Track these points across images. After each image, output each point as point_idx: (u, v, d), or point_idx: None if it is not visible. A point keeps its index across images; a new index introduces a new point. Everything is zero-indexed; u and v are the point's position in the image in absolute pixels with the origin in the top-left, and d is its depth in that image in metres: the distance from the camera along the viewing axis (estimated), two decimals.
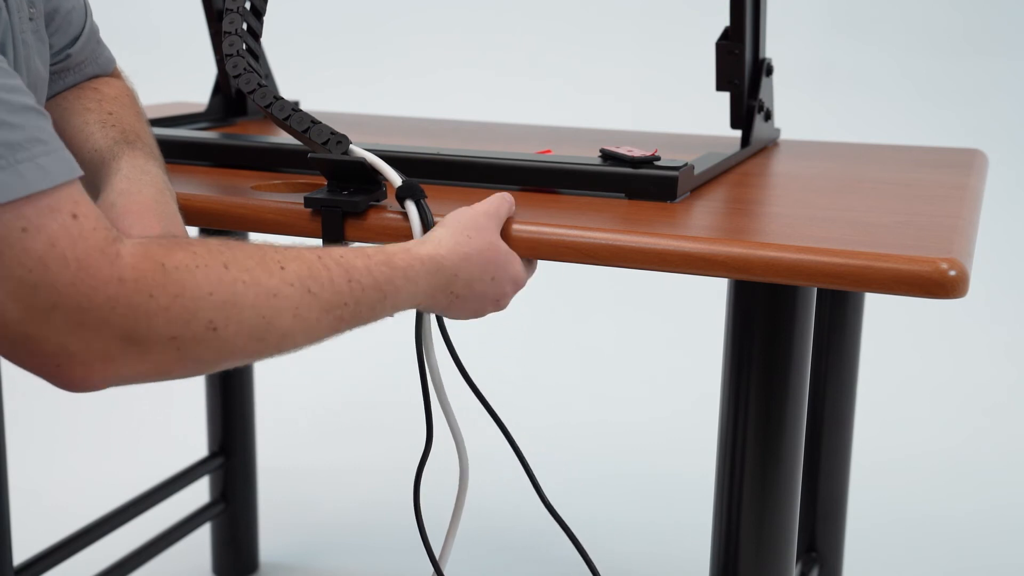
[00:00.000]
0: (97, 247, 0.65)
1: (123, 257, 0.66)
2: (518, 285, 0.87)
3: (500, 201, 0.87)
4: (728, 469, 0.90)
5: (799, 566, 1.36)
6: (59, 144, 0.66)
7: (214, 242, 0.72)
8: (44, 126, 0.66)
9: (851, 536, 1.48)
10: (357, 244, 0.90)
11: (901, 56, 3.31)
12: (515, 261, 0.86)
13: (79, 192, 0.67)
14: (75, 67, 0.97)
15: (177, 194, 0.97)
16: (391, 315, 0.82)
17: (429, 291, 0.82)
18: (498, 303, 0.87)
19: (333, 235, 0.88)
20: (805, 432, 0.92)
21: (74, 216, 0.65)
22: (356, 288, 0.77)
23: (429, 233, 0.84)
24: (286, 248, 0.75)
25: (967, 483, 2.08)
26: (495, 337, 2.76)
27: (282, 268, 0.73)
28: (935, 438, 2.29)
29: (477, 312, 0.87)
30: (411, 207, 0.86)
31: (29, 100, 0.65)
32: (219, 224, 0.94)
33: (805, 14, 3.33)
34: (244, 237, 1.66)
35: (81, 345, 0.65)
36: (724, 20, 1.14)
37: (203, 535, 1.77)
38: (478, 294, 0.85)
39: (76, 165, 0.67)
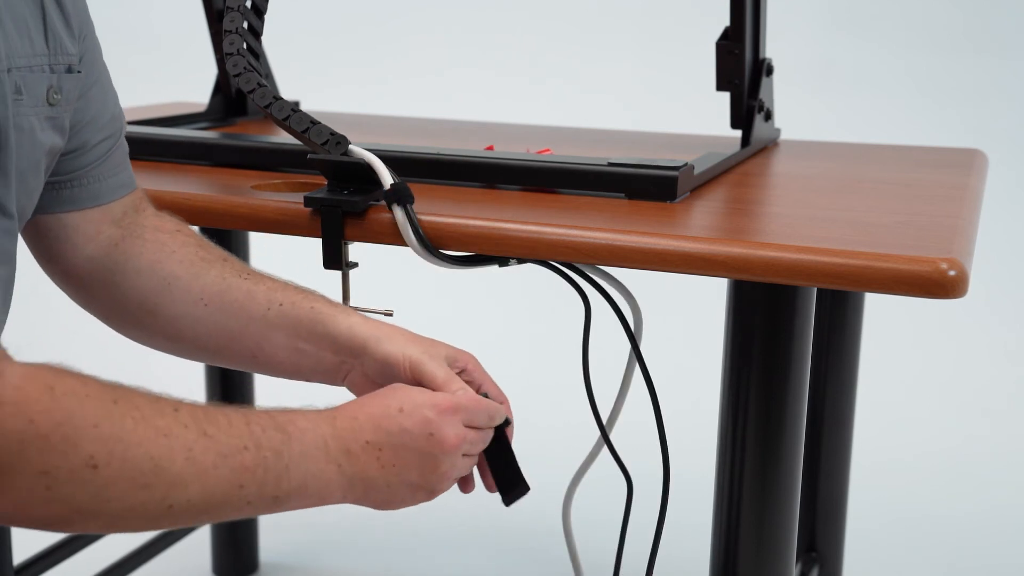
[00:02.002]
0: None
1: (6, 377, 0.59)
2: (441, 408, 0.77)
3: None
4: (728, 469, 0.90)
5: (799, 566, 1.36)
6: None
7: (105, 380, 0.65)
8: None
9: (851, 536, 1.48)
10: (357, 243, 0.90)
11: (901, 53, 3.31)
12: (425, 391, 0.79)
13: None
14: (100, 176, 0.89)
15: (177, 194, 0.97)
16: (305, 481, 0.72)
17: (339, 442, 0.74)
18: (433, 437, 0.77)
19: (333, 234, 0.88)
20: (805, 432, 0.92)
21: None
22: (256, 429, 0.69)
23: None
24: (178, 398, 0.69)
25: (967, 483, 2.08)
26: (495, 336, 2.76)
27: (175, 409, 0.66)
28: (935, 438, 2.28)
29: (420, 462, 0.77)
30: (397, 211, 0.86)
31: None
32: (219, 223, 0.94)
33: (805, 11, 3.33)
34: (244, 238, 1.66)
35: None
36: (724, 20, 1.13)
37: (203, 535, 1.77)
38: (398, 433, 0.76)
39: None
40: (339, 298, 0.95)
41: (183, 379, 1.36)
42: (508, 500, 0.86)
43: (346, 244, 0.89)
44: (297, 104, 0.96)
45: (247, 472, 0.68)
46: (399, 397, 0.78)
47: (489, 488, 0.87)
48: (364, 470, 0.75)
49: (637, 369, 0.94)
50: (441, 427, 0.77)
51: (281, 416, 0.72)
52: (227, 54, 0.94)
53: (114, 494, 0.62)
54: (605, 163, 0.96)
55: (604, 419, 0.96)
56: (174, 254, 0.89)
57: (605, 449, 0.97)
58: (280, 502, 0.72)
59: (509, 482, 0.86)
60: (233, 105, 1.44)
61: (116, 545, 1.56)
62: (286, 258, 2.40)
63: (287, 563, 1.80)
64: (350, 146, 0.90)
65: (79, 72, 0.81)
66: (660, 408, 0.93)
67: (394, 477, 0.76)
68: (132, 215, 0.91)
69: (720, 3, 1.17)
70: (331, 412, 0.76)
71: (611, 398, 0.99)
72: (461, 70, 3.41)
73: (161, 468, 0.64)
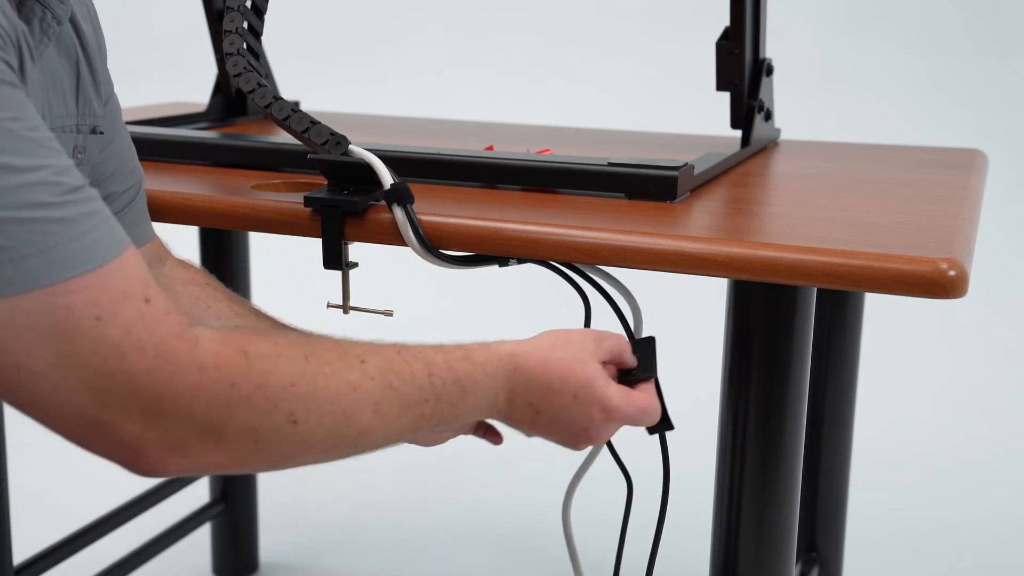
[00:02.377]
0: (175, 332, 0.63)
1: (202, 343, 0.64)
2: (609, 415, 0.80)
3: (608, 334, 0.84)
4: (728, 469, 0.90)
5: (799, 566, 1.36)
6: (107, 215, 0.63)
7: (292, 334, 0.70)
8: (93, 198, 0.63)
9: (851, 536, 1.48)
10: (357, 244, 0.91)
11: (901, 53, 3.31)
12: (606, 386, 0.80)
13: (145, 272, 0.64)
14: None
15: (177, 194, 0.97)
16: (467, 421, 0.78)
17: (508, 394, 0.78)
18: (586, 431, 0.80)
19: (333, 234, 0.88)
20: (805, 432, 0.92)
21: (147, 300, 0.62)
22: (437, 383, 0.74)
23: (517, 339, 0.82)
24: (364, 342, 0.74)
25: (967, 483, 2.08)
26: (495, 337, 2.76)
27: (362, 362, 0.71)
28: (935, 438, 2.28)
29: (565, 436, 0.81)
30: (397, 211, 0.86)
31: (77, 180, 0.62)
32: (219, 223, 0.94)
33: (805, 11, 3.33)
34: (244, 238, 1.66)
35: (157, 433, 0.63)
36: (724, 20, 1.13)
37: (203, 535, 1.77)
38: (559, 410, 0.79)
39: (125, 235, 0.64)
40: (339, 298, 0.95)
41: None
42: (651, 431, 0.89)
43: (346, 244, 0.89)
44: (297, 104, 0.96)
45: (424, 419, 0.74)
46: (580, 381, 0.79)
47: None
48: (518, 419, 0.81)
49: None
50: (599, 429, 0.81)
51: (461, 368, 0.76)
52: (227, 54, 0.94)
53: (312, 443, 0.68)
54: (605, 163, 0.96)
55: None
56: (209, 309, 0.92)
57: (605, 449, 0.96)
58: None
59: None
60: (233, 105, 1.44)
61: (116, 545, 1.56)
62: (286, 258, 2.40)
63: (287, 563, 1.80)
64: (350, 146, 0.89)
65: (102, 133, 0.85)
66: None
67: (538, 432, 0.82)
68: (157, 265, 0.94)
69: (720, 3, 1.17)
70: (513, 361, 0.78)
71: None
72: (461, 70, 3.41)
73: (352, 420, 0.69)
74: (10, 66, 0.62)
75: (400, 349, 0.74)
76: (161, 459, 0.63)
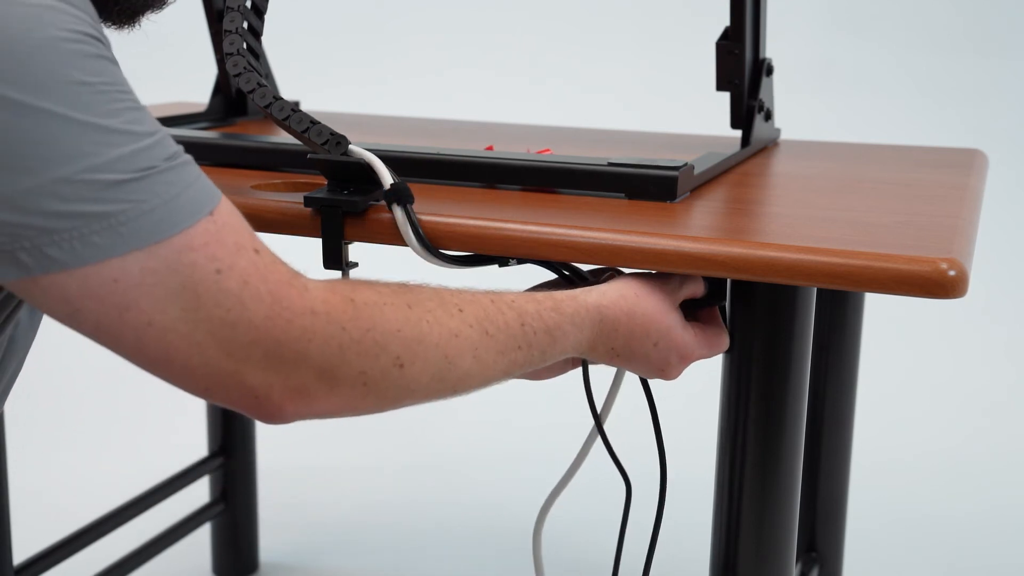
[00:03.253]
0: (285, 280, 0.67)
1: (311, 290, 0.67)
2: (685, 359, 0.85)
3: (687, 279, 0.87)
4: (728, 469, 0.90)
5: (799, 566, 1.36)
6: (200, 171, 0.68)
7: (391, 284, 0.73)
8: (185, 153, 0.67)
9: (851, 536, 1.48)
10: (358, 243, 0.91)
11: (902, 53, 3.31)
12: (684, 333, 0.85)
13: (247, 223, 0.68)
14: None
15: None
16: (551, 363, 0.82)
17: (591, 342, 0.82)
18: (662, 372, 0.85)
19: (333, 234, 0.88)
20: (805, 432, 0.92)
21: (256, 251, 0.67)
22: (529, 332, 0.78)
23: (598, 285, 0.84)
24: (459, 291, 0.77)
25: (967, 483, 2.08)
26: None
27: (460, 310, 0.75)
28: (935, 438, 2.29)
29: (639, 372, 0.86)
30: (397, 211, 0.86)
31: (176, 145, 0.67)
32: None
33: (805, 11, 3.33)
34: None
35: (280, 379, 0.66)
36: (724, 20, 1.14)
37: (203, 535, 1.77)
38: (638, 356, 0.84)
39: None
40: None
41: None
42: None
43: (346, 244, 0.89)
44: (297, 104, 0.96)
45: (516, 365, 0.78)
46: (659, 330, 0.83)
47: None
48: (596, 357, 0.85)
49: None
50: (673, 369, 0.85)
51: (551, 318, 0.79)
52: (227, 54, 0.94)
53: (417, 387, 0.72)
54: (605, 163, 0.96)
55: (602, 420, 0.96)
56: None
57: (604, 448, 0.96)
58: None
59: None
60: (233, 105, 1.44)
61: (116, 545, 1.56)
62: (286, 258, 2.40)
63: (287, 563, 1.80)
64: (350, 146, 0.89)
65: None
66: (656, 408, 0.93)
67: (613, 366, 0.86)
68: None
69: (720, 3, 1.17)
70: (599, 312, 0.81)
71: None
72: (461, 70, 3.41)
73: (453, 365, 0.74)
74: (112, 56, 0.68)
75: (494, 298, 0.77)
76: (283, 404, 0.67)
